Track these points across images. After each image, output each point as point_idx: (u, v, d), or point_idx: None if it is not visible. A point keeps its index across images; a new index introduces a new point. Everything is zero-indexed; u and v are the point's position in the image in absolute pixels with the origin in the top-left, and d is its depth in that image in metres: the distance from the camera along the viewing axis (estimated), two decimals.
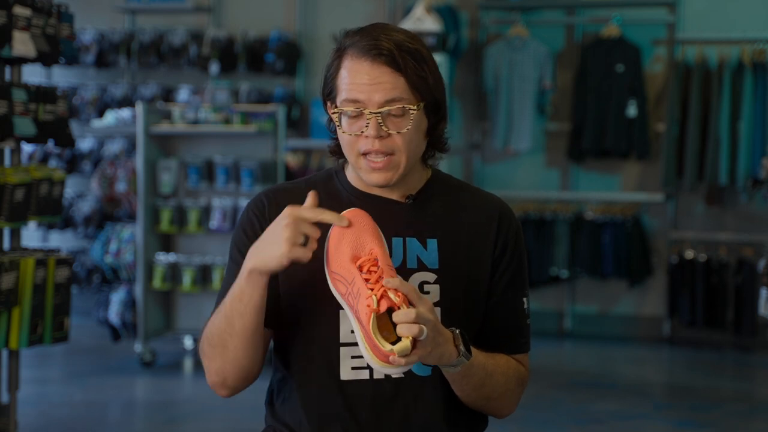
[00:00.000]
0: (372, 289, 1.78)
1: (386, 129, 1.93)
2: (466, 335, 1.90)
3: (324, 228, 1.89)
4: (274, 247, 1.83)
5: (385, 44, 1.94)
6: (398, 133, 1.94)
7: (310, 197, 1.88)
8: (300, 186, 2.08)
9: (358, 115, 1.94)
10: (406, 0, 8.06)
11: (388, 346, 1.76)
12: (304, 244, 1.84)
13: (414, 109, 1.94)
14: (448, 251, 2.00)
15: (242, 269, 1.89)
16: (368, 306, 1.78)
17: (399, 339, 1.77)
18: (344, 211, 1.89)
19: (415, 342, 1.76)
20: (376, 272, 1.80)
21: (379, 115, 1.92)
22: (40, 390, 5.89)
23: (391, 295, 1.76)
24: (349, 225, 1.87)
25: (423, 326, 1.75)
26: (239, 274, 1.91)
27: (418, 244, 1.99)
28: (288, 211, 1.84)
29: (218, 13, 8.62)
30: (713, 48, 7.63)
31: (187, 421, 5.45)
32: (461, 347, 1.87)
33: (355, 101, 1.93)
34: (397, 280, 1.77)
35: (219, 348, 1.95)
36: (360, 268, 1.82)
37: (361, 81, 1.93)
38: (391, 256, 1.90)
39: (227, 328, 1.92)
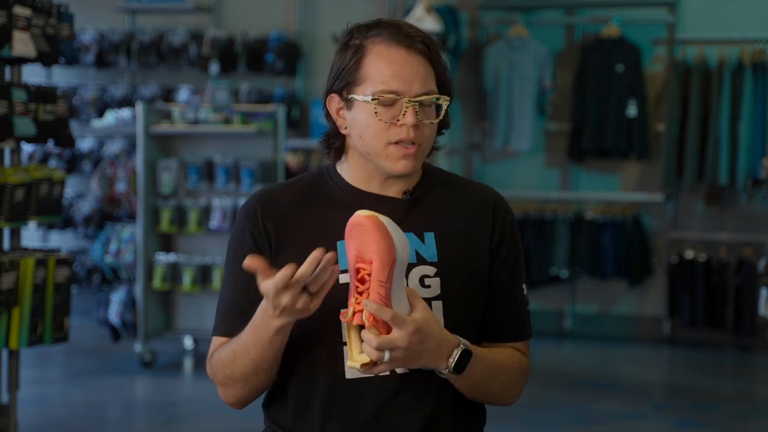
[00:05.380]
0: (355, 298, 1.80)
1: (421, 118, 1.95)
2: (467, 354, 1.89)
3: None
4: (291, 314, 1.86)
5: (416, 33, 1.97)
6: (430, 123, 1.97)
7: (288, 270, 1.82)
8: (291, 186, 2.08)
9: (393, 104, 1.95)
10: (406, 0, 8.06)
11: (354, 353, 1.83)
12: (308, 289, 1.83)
13: (447, 100, 1.98)
14: (446, 243, 2.01)
15: (266, 325, 1.87)
16: (343, 313, 1.82)
17: None
18: (360, 212, 1.84)
19: (374, 362, 1.81)
20: (365, 284, 1.80)
21: (417, 104, 1.94)
22: (40, 390, 5.89)
23: (364, 315, 1.79)
24: (354, 225, 1.84)
25: (385, 353, 1.79)
26: (263, 329, 1.88)
27: (416, 238, 1.99)
28: (272, 293, 1.80)
29: (218, 13, 8.62)
30: (713, 48, 7.63)
31: (187, 421, 5.45)
32: (452, 363, 1.88)
33: (393, 91, 1.94)
34: (374, 305, 1.77)
35: (241, 382, 1.97)
36: (357, 271, 1.82)
37: (401, 69, 1.94)
38: None
39: (253, 368, 1.94)
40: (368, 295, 1.79)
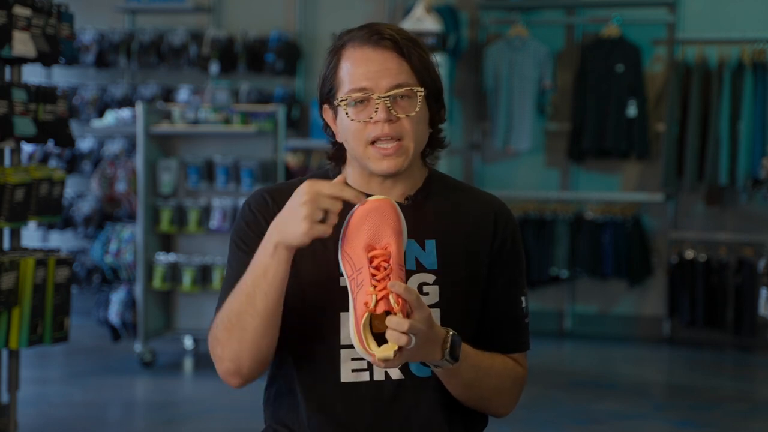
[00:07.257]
0: (375, 287, 1.76)
1: (395, 113, 1.92)
2: (458, 339, 1.88)
3: (345, 207, 1.84)
4: (294, 224, 1.80)
5: (386, 31, 1.95)
6: (407, 116, 1.93)
7: (340, 177, 1.85)
8: (296, 185, 2.07)
9: (366, 102, 1.93)
10: (406, 0, 8.06)
11: (372, 347, 1.77)
12: (324, 220, 1.80)
13: (421, 92, 1.95)
14: (447, 252, 2.00)
15: (265, 245, 1.85)
16: (365, 304, 1.77)
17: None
18: (373, 197, 1.86)
19: (400, 349, 1.76)
20: (384, 270, 1.78)
21: (387, 98, 1.92)
22: (40, 390, 5.89)
23: (392, 299, 1.75)
24: (369, 210, 1.83)
25: (412, 337, 1.75)
26: (262, 250, 1.86)
27: (417, 245, 1.98)
28: (306, 187, 1.81)
29: (218, 13, 8.62)
30: (713, 48, 7.63)
31: (187, 421, 5.45)
32: (447, 350, 1.86)
33: (362, 89, 1.92)
34: (402, 286, 1.75)
35: (237, 331, 1.89)
36: (370, 260, 1.79)
37: (367, 68, 1.92)
38: None
39: (248, 308, 1.87)
40: (390, 279, 1.76)
